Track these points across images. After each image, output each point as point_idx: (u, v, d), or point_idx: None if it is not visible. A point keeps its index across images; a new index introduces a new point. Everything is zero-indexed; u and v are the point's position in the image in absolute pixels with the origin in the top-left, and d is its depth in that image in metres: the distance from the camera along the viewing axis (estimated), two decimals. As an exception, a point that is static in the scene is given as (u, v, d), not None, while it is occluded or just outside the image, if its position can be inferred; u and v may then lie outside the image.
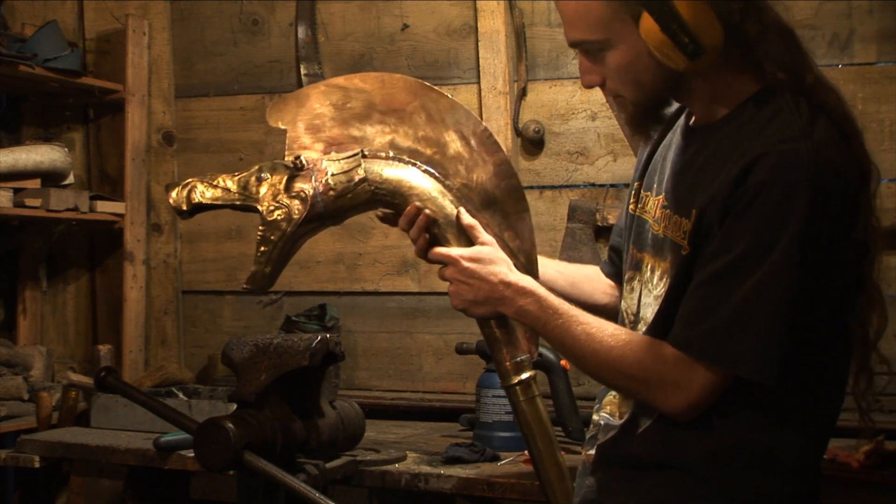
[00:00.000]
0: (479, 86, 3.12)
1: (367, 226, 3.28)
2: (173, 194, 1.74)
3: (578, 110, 3.09)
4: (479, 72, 3.13)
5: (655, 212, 1.56)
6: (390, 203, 1.71)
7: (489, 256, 1.60)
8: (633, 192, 1.67)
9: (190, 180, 1.74)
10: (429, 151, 1.71)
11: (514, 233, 1.69)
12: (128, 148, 3.40)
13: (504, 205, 1.69)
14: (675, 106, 1.61)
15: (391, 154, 1.72)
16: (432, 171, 1.70)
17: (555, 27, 3.11)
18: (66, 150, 3.33)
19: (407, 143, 1.72)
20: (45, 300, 3.57)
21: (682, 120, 1.59)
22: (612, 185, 3.05)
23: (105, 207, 3.35)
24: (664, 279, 1.52)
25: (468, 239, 1.64)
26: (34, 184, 3.17)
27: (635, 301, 1.59)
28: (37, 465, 2.66)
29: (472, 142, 1.70)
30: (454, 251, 1.62)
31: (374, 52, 3.30)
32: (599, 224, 2.96)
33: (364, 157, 1.71)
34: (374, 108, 1.73)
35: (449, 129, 1.70)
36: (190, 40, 3.50)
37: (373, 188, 1.69)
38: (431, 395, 3.19)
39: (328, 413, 1.98)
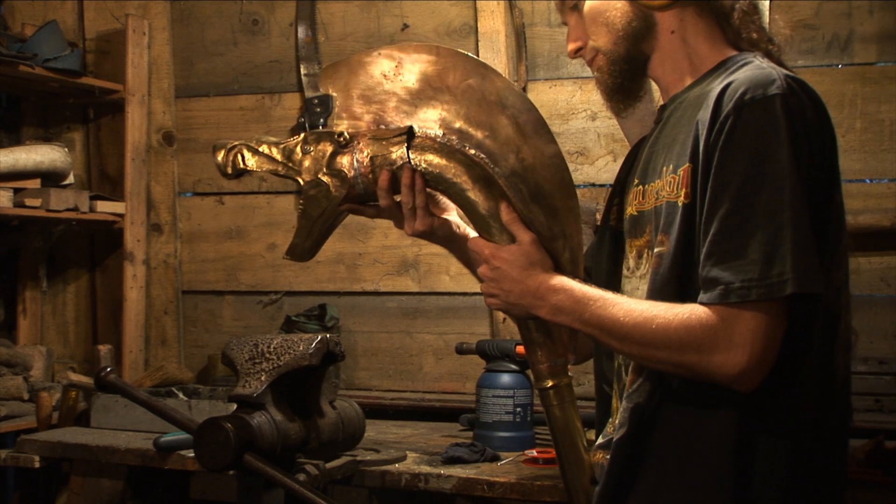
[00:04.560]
0: (479, 86, 3.12)
1: (368, 226, 3.28)
2: (220, 156, 1.71)
3: (578, 110, 3.09)
4: (479, 72, 3.13)
5: (631, 199, 1.59)
6: (433, 189, 1.64)
7: (524, 257, 1.55)
8: (612, 207, 1.70)
9: (237, 143, 1.71)
10: (479, 135, 1.60)
11: (561, 229, 1.58)
12: (128, 148, 3.40)
13: (553, 199, 1.59)
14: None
15: (440, 133, 1.62)
16: (481, 155, 1.60)
17: (555, 27, 3.11)
18: (66, 150, 3.33)
19: (458, 124, 1.61)
20: (45, 300, 3.57)
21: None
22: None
23: (105, 207, 3.35)
24: (644, 254, 1.52)
25: (511, 233, 1.58)
26: (34, 184, 3.17)
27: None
28: (37, 465, 2.65)
29: (526, 129, 1.59)
30: (489, 248, 1.57)
31: (374, 52, 3.30)
32: (600, 224, 2.96)
33: (411, 135, 1.62)
34: (427, 83, 1.64)
35: (502, 112, 1.59)
36: (190, 40, 3.50)
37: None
38: (431, 395, 3.19)
39: (328, 413, 1.98)
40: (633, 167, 1.65)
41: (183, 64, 3.51)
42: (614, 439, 1.52)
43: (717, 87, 1.42)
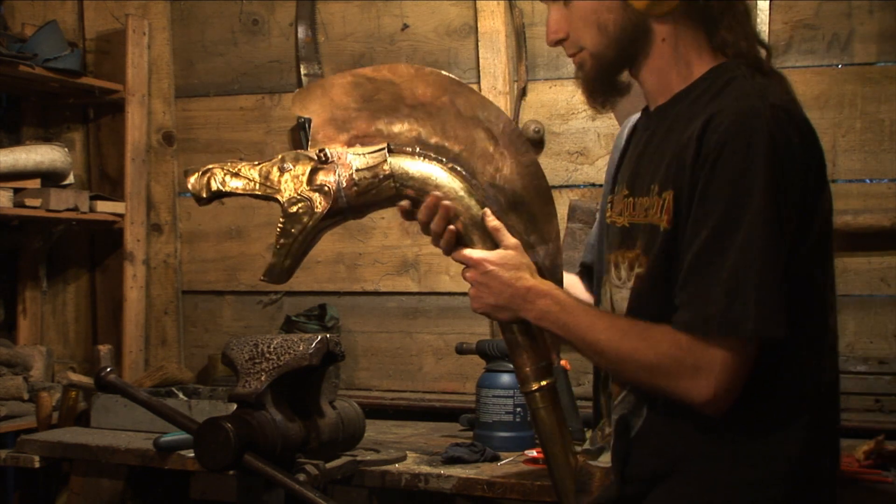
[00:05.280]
0: (480, 86, 3.12)
1: (367, 226, 3.28)
2: (192, 180, 1.70)
3: (578, 110, 3.09)
4: (479, 72, 3.13)
5: (620, 207, 1.59)
6: (415, 201, 1.65)
7: (512, 261, 1.56)
8: (606, 204, 1.70)
9: (210, 166, 1.70)
10: (456, 148, 1.64)
11: (540, 235, 1.63)
12: (128, 148, 3.41)
13: (531, 206, 1.63)
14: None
15: (417, 150, 1.66)
16: (459, 168, 1.64)
17: (555, 27, 3.11)
18: (66, 150, 3.33)
19: (434, 139, 1.65)
20: (45, 300, 3.57)
21: (640, 119, 1.63)
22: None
23: (105, 207, 3.35)
24: (633, 268, 1.52)
25: (493, 240, 1.60)
26: (34, 184, 3.17)
27: (608, 304, 1.60)
28: (37, 465, 2.66)
29: (501, 140, 1.63)
30: (477, 253, 1.59)
31: (374, 52, 3.30)
32: (598, 222, 2.96)
33: (390, 151, 1.65)
34: (401, 102, 1.66)
35: (478, 126, 1.63)
36: (190, 40, 3.51)
37: (397, 185, 1.63)
38: (431, 395, 3.19)
39: (328, 413, 1.98)
40: (622, 168, 1.65)
41: (183, 64, 3.51)
42: (611, 447, 1.54)
43: (703, 110, 1.41)
